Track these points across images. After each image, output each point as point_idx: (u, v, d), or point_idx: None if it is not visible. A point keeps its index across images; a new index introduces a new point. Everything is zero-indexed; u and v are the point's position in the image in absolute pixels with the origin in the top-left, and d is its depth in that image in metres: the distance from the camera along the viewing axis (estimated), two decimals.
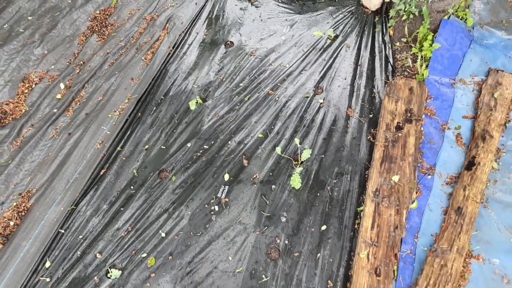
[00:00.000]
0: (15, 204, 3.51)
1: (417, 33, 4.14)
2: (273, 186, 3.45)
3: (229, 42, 4.47)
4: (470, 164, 3.34)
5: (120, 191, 3.52)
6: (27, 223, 3.39)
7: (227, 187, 3.48)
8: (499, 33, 4.13)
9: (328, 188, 3.41)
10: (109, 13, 4.78)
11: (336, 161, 3.54)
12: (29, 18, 4.76)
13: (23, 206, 3.48)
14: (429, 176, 3.38)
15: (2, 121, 3.99)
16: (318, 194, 3.38)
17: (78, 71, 4.33)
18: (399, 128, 3.57)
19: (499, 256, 2.96)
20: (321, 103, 3.92)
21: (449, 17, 4.13)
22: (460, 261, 2.92)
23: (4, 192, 3.60)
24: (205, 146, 3.72)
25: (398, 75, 4.01)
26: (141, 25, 4.64)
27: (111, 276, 3.10)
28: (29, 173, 3.70)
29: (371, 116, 3.81)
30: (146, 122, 3.93)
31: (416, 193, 3.29)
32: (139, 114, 3.99)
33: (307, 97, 3.98)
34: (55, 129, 3.94)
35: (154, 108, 4.02)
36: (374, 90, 3.97)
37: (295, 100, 3.96)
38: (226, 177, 3.52)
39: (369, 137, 3.68)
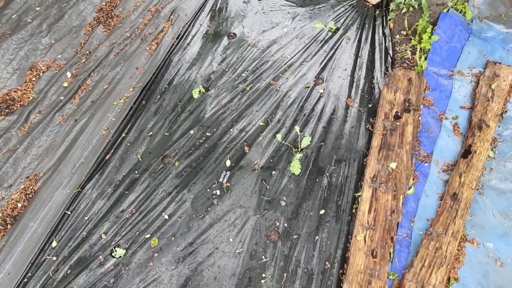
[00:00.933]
0: (23, 186, 3.61)
1: (417, 26, 4.22)
2: (273, 172, 3.54)
3: (232, 34, 4.57)
4: (467, 152, 3.42)
5: (125, 175, 3.61)
6: (34, 204, 3.50)
7: (228, 172, 3.57)
8: (498, 27, 4.20)
9: (327, 174, 3.49)
10: (114, 5, 4.89)
11: (335, 149, 3.63)
12: (37, 8, 4.87)
13: (31, 189, 3.59)
14: (426, 164, 3.46)
15: (10, 107, 4.10)
16: (317, 180, 3.47)
17: (84, 60, 4.44)
18: (397, 117, 3.65)
19: (493, 240, 3.04)
20: (321, 93, 4.00)
21: (448, 10, 4.21)
22: (454, 244, 2.99)
23: (12, 175, 3.71)
24: (207, 133, 3.82)
25: (397, 67, 4.09)
26: (146, 17, 4.75)
27: (115, 255, 3.20)
28: (36, 157, 3.80)
29: (370, 106, 3.89)
30: (150, 109, 4.03)
31: (413, 179, 3.37)
32: (144, 102, 4.09)
33: (308, 87, 4.06)
34: (62, 116, 4.04)
35: (158, 96, 4.12)
36: (373, 81, 4.06)
37: (296, 90, 4.05)
38: (228, 163, 3.61)
39: (367, 126, 3.76)
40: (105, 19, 4.75)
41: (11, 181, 3.67)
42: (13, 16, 4.80)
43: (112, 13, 4.81)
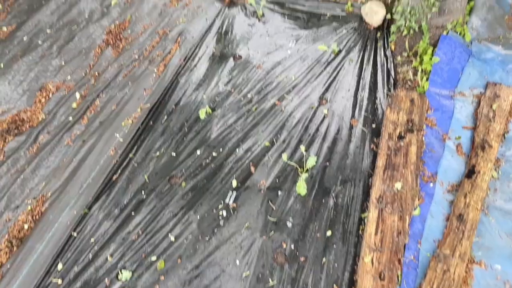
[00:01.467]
0: (29, 208, 3.64)
1: (418, 47, 4.31)
2: (279, 192, 3.56)
3: (237, 56, 4.67)
4: (470, 173, 3.45)
5: (132, 196, 3.64)
6: (41, 226, 3.51)
7: (234, 192, 3.59)
8: (497, 48, 4.28)
9: (333, 194, 3.51)
10: (123, 27, 5.01)
11: (340, 169, 3.66)
12: (48, 31, 5.00)
13: (38, 210, 3.61)
14: (431, 184, 3.48)
15: (19, 128, 4.16)
16: (323, 200, 3.49)
17: (93, 81, 4.52)
18: (401, 137, 3.70)
19: (501, 262, 3.03)
20: (325, 114, 4.06)
21: (448, 32, 4.30)
22: (462, 266, 2.99)
23: (19, 196, 3.73)
24: (213, 154, 3.86)
25: (399, 87, 4.16)
26: (154, 39, 4.86)
27: (121, 278, 3.19)
28: (44, 178, 3.83)
29: (373, 126, 3.94)
30: (158, 130, 4.08)
31: (418, 200, 3.38)
32: (151, 122, 4.15)
33: (312, 107, 4.12)
34: (70, 137, 4.09)
35: (165, 117, 4.18)
36: (376, 101, 4.12)
37: (301, 110, 4.11)
38: (234, 183, 3.64)
39: (372, 146, 3.80)
40: (114, 41, 4.86)
41: (18, 202, 3.70)
42: (24, 38, 4.93)
43: (121, 36, 4.92)
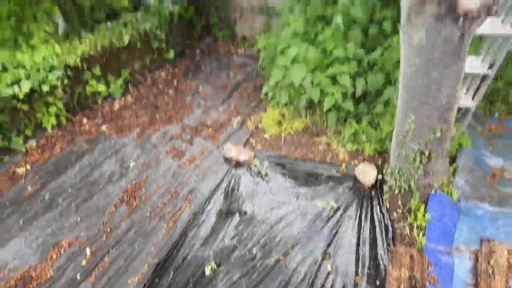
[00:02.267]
0: None
1: (410, 205, 4.67)
2: None
3: (243, 211, 5.01)
4: None
5: None
6: None
7: None
8: (483, 206, 4.63)
9: None
10: (139, 187, 5.51)
11: None
12: (69, 190, 5.47)
13: None
14: None
15: (27, 285, 4.17)
16: None
17: (105, 238, 4.74)
18: None
19: None
20: (329, 271, 4.14)
21: (436, 191, 4.73)
22: None
23: None
24: None
25: (399, 243, 4.35)
26: (166, 197, 5.29)
27: None
28: None
29: (377, 283, 3.98)
30: (163, 287, 4.09)
31: None
32: (157, 280, 4.19)
33: (316, 262, 4.23)
34: None
35: (172, 273, 4.24)
36: (378, 257, 4.25)
37: (305, 265, 4.21)
38: None
39: None
40: (128, 199, 5.29)
41: None
42: (46, 197, 5.36)
43: (136, 194, 5.37)
